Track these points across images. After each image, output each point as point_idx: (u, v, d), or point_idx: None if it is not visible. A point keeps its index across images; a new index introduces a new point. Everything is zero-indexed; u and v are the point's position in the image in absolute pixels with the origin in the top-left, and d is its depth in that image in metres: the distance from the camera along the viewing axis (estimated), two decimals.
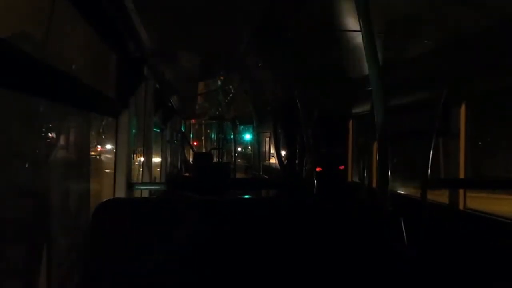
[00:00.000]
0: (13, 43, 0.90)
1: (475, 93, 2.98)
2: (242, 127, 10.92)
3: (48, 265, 1.73)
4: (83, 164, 2.34)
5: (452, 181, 3.12)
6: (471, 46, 2.23)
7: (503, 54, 2.18)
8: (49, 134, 2.03)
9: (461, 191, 3.00)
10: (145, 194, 3.08)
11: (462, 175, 3.05)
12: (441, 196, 3.18)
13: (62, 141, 2.14)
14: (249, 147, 10.90)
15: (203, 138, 17.32)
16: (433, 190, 2.95)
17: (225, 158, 11.69)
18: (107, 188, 2.46)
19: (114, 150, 2.31)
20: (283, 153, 5.59)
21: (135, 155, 3.04)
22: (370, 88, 1.86)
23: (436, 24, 2.11)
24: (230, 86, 6.06)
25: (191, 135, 13.79)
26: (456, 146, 3.04)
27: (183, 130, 9.70)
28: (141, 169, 3.34)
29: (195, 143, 14.70)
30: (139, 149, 3.29)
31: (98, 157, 3.18)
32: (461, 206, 2.98)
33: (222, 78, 5.59)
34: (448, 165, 3.32)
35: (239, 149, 12.34)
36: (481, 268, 2.54)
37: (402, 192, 3.77)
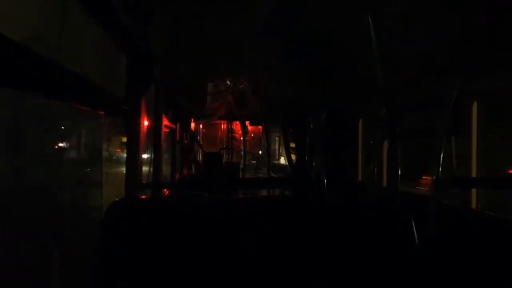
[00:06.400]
0: (26, 45, 0.92)
1: (488, 91, 2.94)
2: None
3: (61, 260, 1.76)
4: (95, 164, 2.37)
5: (464, 179, 3.08)
6: (482, 42, 2.20)
7: None
8: (63, 135, 2.07)
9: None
10: (156, 193, 3.11)
11: (474, 174, 3.00)
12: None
13: (75, 141, 2.18)
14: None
15: (203, 137, 17.38)
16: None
17: (234, 157, 11.71)
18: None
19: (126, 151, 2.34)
20: (292, 152, 5.58)
21: (145, 155, 3.07)
22: (380, 87, 1.86)
23: (447, 19, 2.09)
24: (241, 86, 6.07)
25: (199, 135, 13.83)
26: (468, 144, 3.00)
27: (193, 130, 9.75)
28: (151, 169, 3.38)
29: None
30: (150, 149, 3.33)
31: None
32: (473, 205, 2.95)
33: (231, 78, 5.61)
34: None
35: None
36: (491, 270, 2.51)
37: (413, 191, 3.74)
